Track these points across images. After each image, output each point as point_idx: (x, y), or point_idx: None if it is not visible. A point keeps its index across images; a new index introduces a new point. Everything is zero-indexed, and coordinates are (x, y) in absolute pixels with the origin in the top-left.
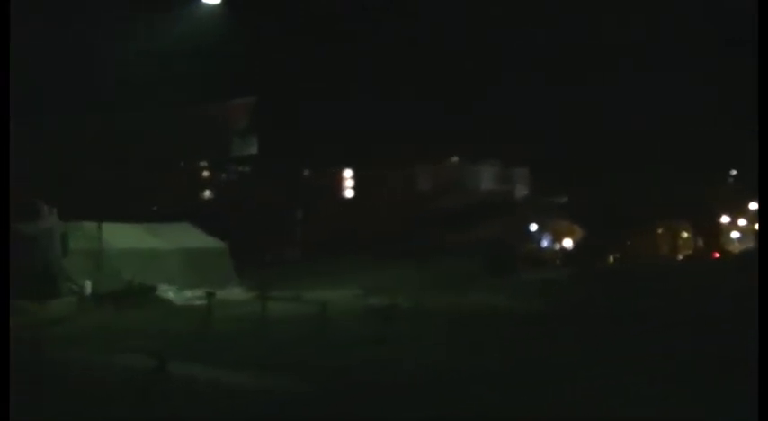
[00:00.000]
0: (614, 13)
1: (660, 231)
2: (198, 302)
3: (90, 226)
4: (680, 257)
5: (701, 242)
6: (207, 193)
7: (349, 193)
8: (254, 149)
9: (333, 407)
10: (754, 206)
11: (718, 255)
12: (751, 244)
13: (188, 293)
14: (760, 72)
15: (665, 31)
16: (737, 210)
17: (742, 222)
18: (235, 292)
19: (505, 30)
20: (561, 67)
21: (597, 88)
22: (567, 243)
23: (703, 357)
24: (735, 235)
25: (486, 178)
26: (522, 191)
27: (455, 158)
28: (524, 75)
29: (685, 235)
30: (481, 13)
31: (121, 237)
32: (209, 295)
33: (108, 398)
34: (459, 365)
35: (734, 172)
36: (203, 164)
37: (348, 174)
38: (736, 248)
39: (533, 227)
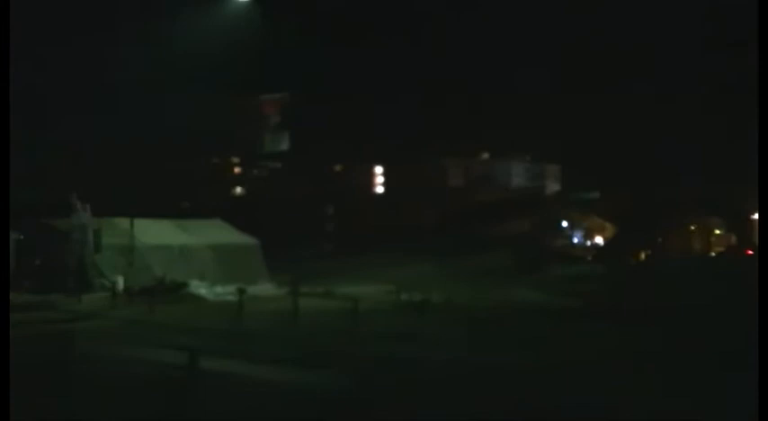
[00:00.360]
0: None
1: (693, 228)
2: (229, 298)
3: (122, 222)
4: (713, 254)
5: (733, 238)
6: (238, 189)
7: (380, 189)
8: (285, 145)
9: (364, 402)
10: None
11: (751, 252)
12: None
13: (219, 289)
14: (760, 72)
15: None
16: None
17: None
18: (266, 288)
19: (538, 26)
20: (594, 65)
21: (630, 84)
22: (599, 239)
23: (738, 354)
24: None
25: (518, 174)
26: (553, 187)
27: (486, 155)
28: (557, 72)
29: (718, 231)
30: (510, 10)
31: (153, 233)
32: (241, 291)
33: (140, 393)
34: (490, 360)
35: None
36: (235, 160)
37: (379, 169)
38: None
39: (565, 223)
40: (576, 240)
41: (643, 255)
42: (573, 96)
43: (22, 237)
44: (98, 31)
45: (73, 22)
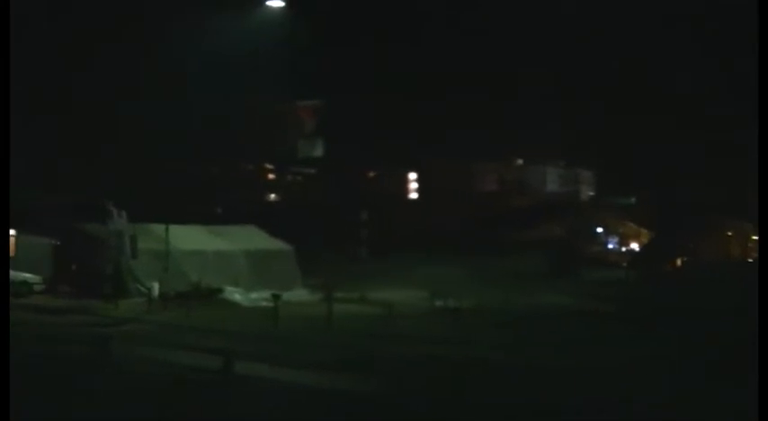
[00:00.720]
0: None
1: (730, 233)
2: (264, 304)
3: (157, 228)
4: (750, 260)
5: None
6: (272, 195)
7: (414, 195)
8: (319, 151)
9: (398, 406)
10: None
11: None
12: None
13: (254, 295)
14: (760, 72)
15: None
16: None
17: None
18: (300, 294)
19: (575, 31)
20: (630, 69)
21: (665, 86)
22: (634, 245)
23: None
24: None
25: (551, 179)
26: (587, 192)
27: (520, 160)
28: (592, 77)
29: (755, 237)
30: (550, 14)
31: (188, 238)
32: (275, 296)
33: (174, 397)
34: (526, 363)
35: None
36: (269, 166)
37: (413, 175)
38: None
39: (599, 229)
40: (610, 246)
41: (679, 262)
42: (608, 101)
43: (58, 243)
44: (134, 36)
45: (109, 27)
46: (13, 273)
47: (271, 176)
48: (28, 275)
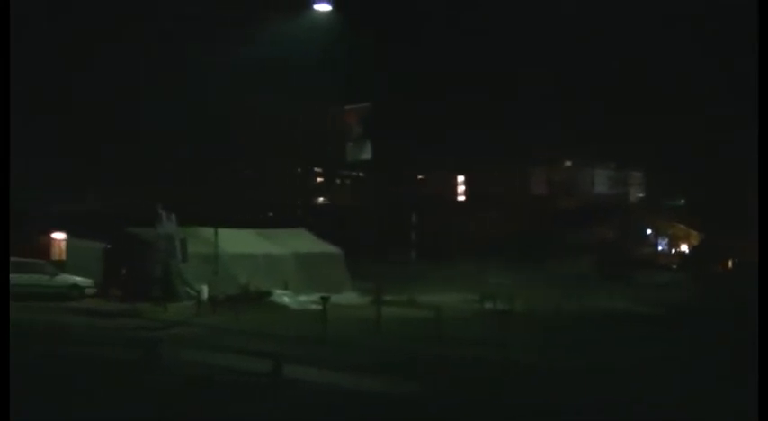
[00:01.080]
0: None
1: None
2: (313, 306)
3: (206, 231)
4: None
5: None
6: (321, 199)
7: (462, 197)
8: (368, 155)
9: (447, 411)
10: None
11: None
12: None
13: (303, 297)
14: (760, 72)
15: None
16: None
17: None
18: (349, 297)
19: (626, 32)
20: (678, 69)
21: (715, 91)
22: (684, 247)
23: None
24: None
25: (600, 181)
26: (636, 194)
27: (569, 162)
28: (641, 77)
29: None
30: (599, 17)
31: (237, 242)
32: (324, 299)
33: (224, 400)
34: (576, 366)
35: None
36: (318, 169)
37: (461, 178)
38: None
39: (649, 231)
40: (660, 248)
41: (730, 263)
42: (657, 102)
43: (108, 246)
44: (182, 41)
45: (158, 31)
46: (63, 277)
47: (319, 180)
48: (78, 279)
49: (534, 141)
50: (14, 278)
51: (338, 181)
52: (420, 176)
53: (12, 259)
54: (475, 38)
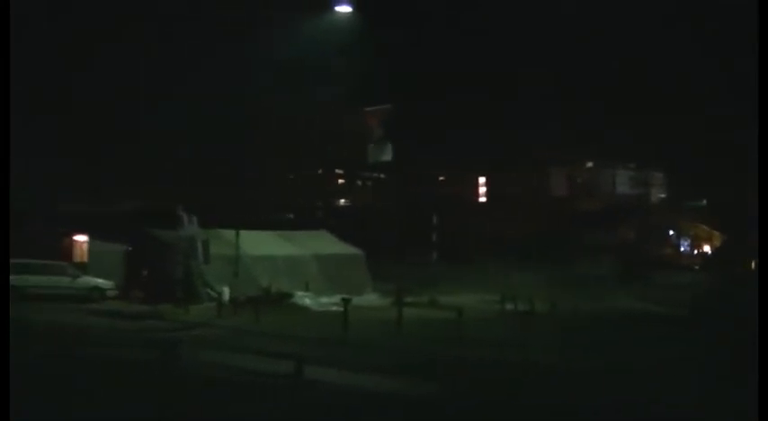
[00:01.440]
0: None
1: None
2: (334, 308)
3: (228, 233)
4: None
5: None
6: (342, 200)
7: (483, 198)
8: (388, 156)
9: (466, 413)
10: None
11: None
12: None
13: (324, 299)
14: (760, 72)
15: None
16: None
17: None
18: (371, 298)
19: (646, 31)
20: (699, 69)
21: (734, 90)
22: (706, 248)
23: None
24: None
25: (622, 182)
26: (657, 195)
27: (590, 163)
28: (662, 78)
29: None
30: (620, 18)
31: (258, 243)
32: (346, 301)
33: (245, 400)
34: (595, 367)
35: None
36: (339, 171)
37: (482, 179)
38: None
39: (671, 231)
40: (682, 249)
41: (753, 264)
42: (678, 103)
43: (130, 248)
44: (199, 44)
45: (186, 33)
46: (85, 279)
47: (341, 181)
48: (100, 281)
49: (554, 142)
50: (37, 280)
51: (359, 182)
52: (440, 178)
53: (34, 261)
54: (489, 39)
